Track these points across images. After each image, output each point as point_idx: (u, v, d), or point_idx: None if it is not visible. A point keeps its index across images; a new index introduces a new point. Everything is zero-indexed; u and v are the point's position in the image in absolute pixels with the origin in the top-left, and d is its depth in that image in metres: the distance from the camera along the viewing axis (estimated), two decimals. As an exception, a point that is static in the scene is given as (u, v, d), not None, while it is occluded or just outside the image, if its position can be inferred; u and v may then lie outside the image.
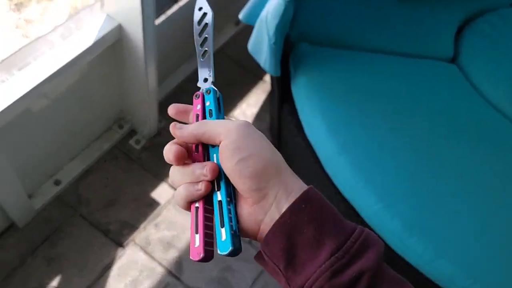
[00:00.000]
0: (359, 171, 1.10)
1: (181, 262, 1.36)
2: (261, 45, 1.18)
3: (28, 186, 1.32)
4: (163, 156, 0.43)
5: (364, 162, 1.12)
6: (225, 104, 0.46)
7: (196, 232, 0.39)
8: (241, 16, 1.22)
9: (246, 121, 0.42)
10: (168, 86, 1.63)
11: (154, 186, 1.47)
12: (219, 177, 0.40)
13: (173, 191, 1.45)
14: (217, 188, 0.40)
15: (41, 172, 1.36)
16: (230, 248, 0.37)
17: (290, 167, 0.41)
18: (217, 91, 0.46)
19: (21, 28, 1.85)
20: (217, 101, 0.45)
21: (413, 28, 1.42)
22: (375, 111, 1.23)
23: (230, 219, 0.38)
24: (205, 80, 0.48)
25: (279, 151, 0.41)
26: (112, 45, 1.20)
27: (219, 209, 0.39)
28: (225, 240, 0.38)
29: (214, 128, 0.41)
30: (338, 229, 0.37)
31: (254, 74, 1.76)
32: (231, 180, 0.40)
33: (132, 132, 1.55)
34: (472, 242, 1.05)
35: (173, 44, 1.50)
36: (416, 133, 1.21)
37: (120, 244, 1.36)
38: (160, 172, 1.49)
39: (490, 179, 1.16)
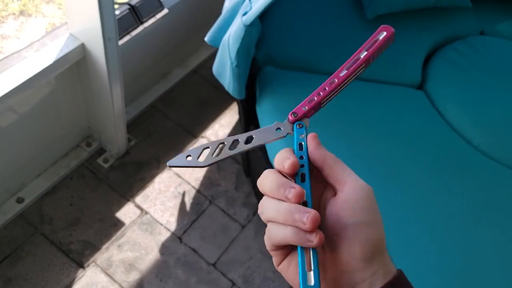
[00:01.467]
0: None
1: (142, 284, 1.33)
2: (224, 68, 1.18)
3: (-12, 203, 1.30)
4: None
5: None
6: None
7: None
8: (206, 38, 1.23)
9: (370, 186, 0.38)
10: (139, 106, 1.63)
11: (120, 205, 1.46)
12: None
13: (139, 211, 1.43)
14: None
15: (4, 189, 1.35)
16: None
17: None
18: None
19: (-3, 43, 1.86)
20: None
21: (382, 54, 1.43)
22: (340, 135, 1.23)
23: (317, 264, 0.35)
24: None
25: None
26: (76, 63, 1.20)
27: (306, 251, 0.35)
28: (314, 285, 0.34)
29: (343, 171, 0.37)
30: None
31: (227, 94, 1.76)
32: (335, 236, 0.35)
33: (100, 151, 1.54)
34: (432, 267, 1.04)
35: (141, 65, 1.51)
36: (379, 157, 1.21)
37: (81, 264, 1.33)
38: (127, 191, 1.48)
39: (451, 204, 1.16)
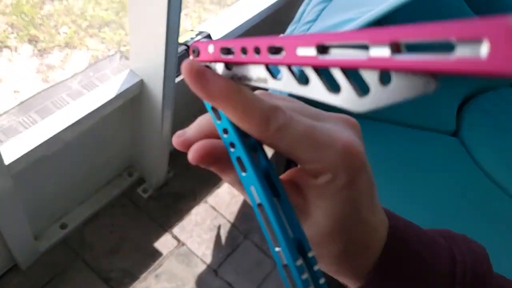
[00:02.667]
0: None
1: (178, 315, 1.35)
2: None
3: (35, 228, 1.34)
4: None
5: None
6: None
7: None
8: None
9: None
10: (179, 139, 1.68)
11: (158, 236, 1.49)
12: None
13: (176, 242, 1.46)
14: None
15: (49, 215, 1.39)
16: None
17: None
18: None
19: (42, 72, 1.94)
20: None
21: (417, 100, 1.48)
22: (375, 181, 1.27)
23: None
24: None
25: None
26: (132, 98, 1.26)
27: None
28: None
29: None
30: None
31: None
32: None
33: (140, 180, 1.59)
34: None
35: (188, 99, 1.57)
36: (415, 203, 1.25)
37: (119, 292, 1.36)
38: (165, 222, 1.51)
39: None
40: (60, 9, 2.18)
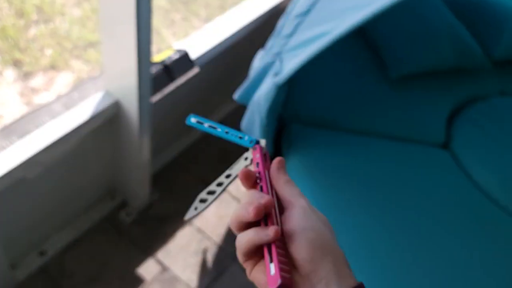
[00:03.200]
0: (347, 256, 1.07)
1: None
2: (253, 125, 1.20)
3: (11, 256, 1.29)
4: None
5: (352, 247, 1.09)
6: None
7: (271, 261, 0.40)
8: (236, 96, 1.26)
9: None
10: (163, 159, 1.65)
11: (141, 261, 1.44)
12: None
13: (160, 267, 1.41)
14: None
15: (27, 242, 1.34)
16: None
17: None
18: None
19: (26, 96, 1.91)
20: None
21: (405, 113, 1.45)
22: (365, 196, 1.22)
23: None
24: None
25: None
26: (110, 119, 1.23)
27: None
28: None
29: (291, 193, 0.44)
30: None
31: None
32: (289, 244, 0.41)
33: (123, 204, 1.54)
34: None
35: (169, 120, 1.54)
36: (406, 218, 1.20)
37: (100, 322, 1.30)
38: (148, 247, 1.46)
39: (477, 266, 1.13)
40: (45, 32, 2.17)
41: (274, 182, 0.45)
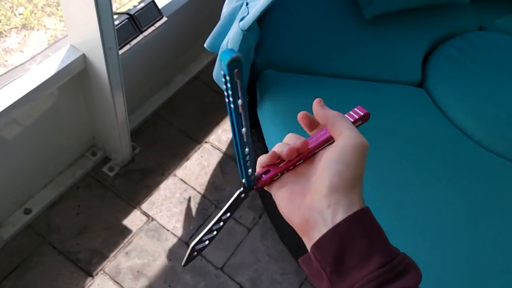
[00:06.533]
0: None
1: (151, 290, 1.34)
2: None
3: (-3, 215, 1.32)
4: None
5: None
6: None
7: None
8: (206, 44, 1.24)
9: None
10: (142, 114, 1.64)
11: (126, 213, 1.47)
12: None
13: (146, 218, 1.45)
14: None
15: (11, 201, 1.36)
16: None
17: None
18: None
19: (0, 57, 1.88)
20: None
21: (380, 53, 1.43)
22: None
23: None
24: None
25: None
26: (78, 74, 1.21)
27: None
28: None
29: (342, 125, 0.45)
30: (387, 248, 0.40)
31: (229, 99, 1.77)
32: (317, 169, 0.43)
33: (105, 159, 1.56)
34: (437, 265, 1.04)
35: (143, 73, 1.52)
36: (380, 156, 1.21)
37: (89, 273, 1.35)
38: (133, 199, 1.49)
39: (454, 201, 1.16)
40: (15, -10, 2.10)
41: (323, 119, 0.46)
